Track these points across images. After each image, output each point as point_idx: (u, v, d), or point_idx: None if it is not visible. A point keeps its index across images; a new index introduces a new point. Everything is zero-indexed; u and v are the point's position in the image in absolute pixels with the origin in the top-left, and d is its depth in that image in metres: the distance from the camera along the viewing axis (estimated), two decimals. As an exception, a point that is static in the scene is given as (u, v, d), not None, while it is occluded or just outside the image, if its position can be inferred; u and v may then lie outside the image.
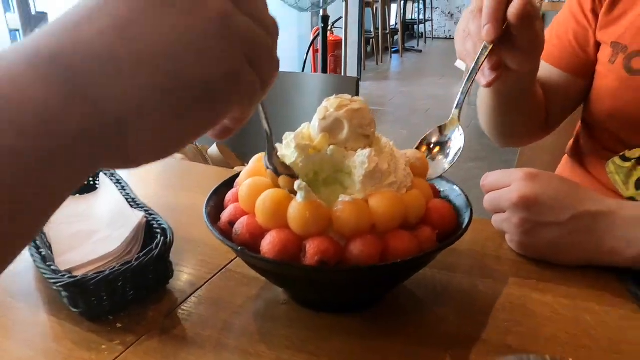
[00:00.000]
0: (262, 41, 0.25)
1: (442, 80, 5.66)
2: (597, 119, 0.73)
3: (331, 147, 0.43)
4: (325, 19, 2.43)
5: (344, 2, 3.74)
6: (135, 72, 0.21)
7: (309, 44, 3.04)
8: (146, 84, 0.21)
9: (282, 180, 0.41)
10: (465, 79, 0.54)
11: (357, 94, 1.12)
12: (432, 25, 8.96)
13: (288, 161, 0.43)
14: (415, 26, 8.64)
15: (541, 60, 0.76)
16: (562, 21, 0.77)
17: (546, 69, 0.77)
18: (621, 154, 0.67)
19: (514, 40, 0.53)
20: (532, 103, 0.73)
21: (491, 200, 0.55)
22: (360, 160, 0.41)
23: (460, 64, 5.07)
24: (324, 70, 2.51)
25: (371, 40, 6.58)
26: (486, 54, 0.52)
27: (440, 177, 0.52)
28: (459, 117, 0.55)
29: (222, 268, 0.54)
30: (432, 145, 0.55)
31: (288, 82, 1.17)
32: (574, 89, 0.76)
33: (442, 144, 0.54)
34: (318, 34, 2.54)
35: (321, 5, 2.34)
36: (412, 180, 0.44)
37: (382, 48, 6.64)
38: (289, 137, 0.46)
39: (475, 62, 0.53)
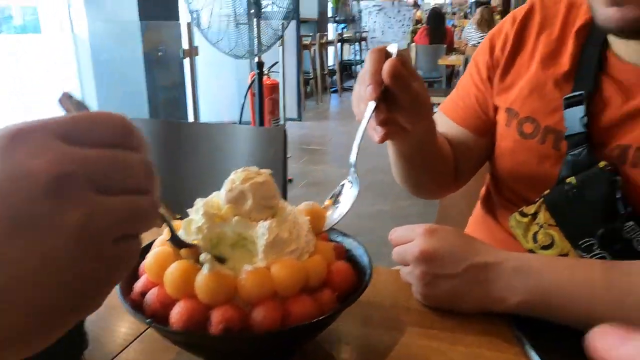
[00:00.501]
0: (138, 213, 0.26)
1: (380, 118, 5.87)
2: (500, 175, 0.80)
3: (235, 218, 0.46)
4: (260, 65, 2.50)
5: (281, 47, 3.86)
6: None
7: (247, 88, 3.08)
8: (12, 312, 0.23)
9: (184, 252, 0.44)
10: (358, 137, 0.59)
11: (284, 143, 1.16)
12: (369, 66, 9.29)
13: (195, 225, 0.46)
14: (353, 66, 8.95)
15: (449, 119, 0.84)
16: (465, 84, 0.83)
17: (453, 127, 0.83)
18: (520, 209, 0.72)
19: (397, 100, 0.58)
20: (437, 160, 0.78)
21: (398, 253, 0.59)
22: (261, 231, 0.44)
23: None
24: (261, 114, 2.56)
25: (310, 81, 6.76)
26: (372, 112, 0.57)
27: (345, 234, 0.56)
28: (354, 172, 0.59)
29: (140, 334, 0.55)
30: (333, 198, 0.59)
31: (217, 135, 1.20)
32: (479, 147, 0.82)
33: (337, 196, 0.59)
34: (254, 80, 2.59)
35: (256, 52, 2.41)
36: (315, 245, 0.47)
37: (321, 88, 6.82)
38: (199, 204, 0.48)
39: (364, 121, 0.58)
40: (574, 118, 0.66)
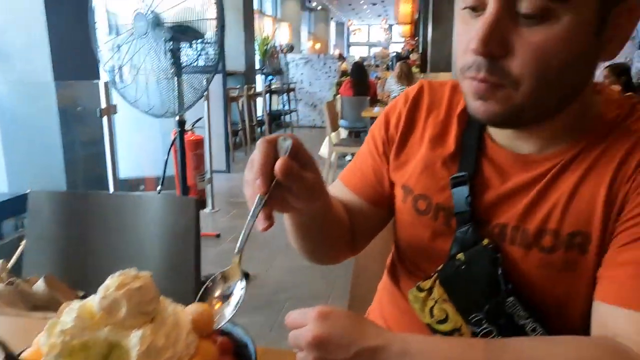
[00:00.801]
0: None
1: (308, 168, 5.94)
2: (400, 247, 0.83)
3: (107, 328, 0.44)
4: (182, 123, 2.48)
5: (206, 102, 3.86)
6: None
7: (170, 142, 3.03)
8: None
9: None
10: (245, 226, 0.58)
11: (197, 214, 1.14)
12: (298, 115, 9.50)
13: (60, 328, 0.43)
14: (282, 116, 9.10)
15: (346, 187, 0.85)
16: (363, 156, 0.85)
17: (351, 196, 0.84)
18: (417, 284, 0.75)
19: (289, 188, 0.58)
20: (333, 229, 0.78)
21: (292, 338, 0.59)
22: (134, 341, 0.43)
23: (323, 152, 5.40)
24: (183, 173, 2.52)
25: (239, 132, 6.78)
26: (261, 205, 0.56)
27: (235, 324, 0.56)
28: (239, 262, 0.58)
29: None
30: (216, 296, 0.58)
31: (126, 206, 1.17)
32: (375, 216, 0.84)
33: (225, 296, 0.58)
34: (176, 138, 2.57)
35: (177, 112, 2.39)
36: (196, 347, 0.47)
37: (250, 139, 6.85)
38: (74, 305, 0.46)
39: (253, 211, 0.57)
40: (461, 197, 0.70)
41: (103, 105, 2.49)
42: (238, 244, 0.58)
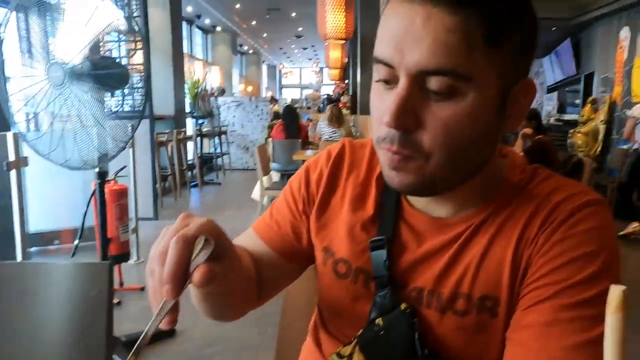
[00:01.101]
0: None
1: (240, 212, 5.84)
2: (322, 309, 0.81)
3: None
4: (102, 174, 2.36)
5: (131, 149, 3.73)
6: None
7: (90, 195, 2.88)
8: None
9: None
10: (147, 328, 0.50)
11: (110, 282, 1.07)
12: (230, 158, 9.43)
13: None
14: (213, 159, 8.99)
15: (260, 239, 0.80)
16: (281, 209, 0.82)
17: (263, 248, 0.80)
18: (337, 351, 0.72)
19: None
20: (239, 292, 0.73)
21: None
22: None
23: (255, 196, 5.35)
24: (103, 227, 2.39)
25: (168, 177, 6.60)
26: (168, 310, 0.50)
27: None
28: None
29: None
30: None
31: (28, 276, 1.07)
32: (288, 270, 0.81)
33: None
34: (95, 190, 2.44)
35: (97, 164, 2.28)
36: None
37: (180, 183, 6.68)
38: None
39: (157, 315, 0.50)
40: (379, 261, 0.70)
41: (11, 157, 2.34)
42: (135, 347, 0.49)
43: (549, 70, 10.71)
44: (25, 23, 2.34)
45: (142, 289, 3.26)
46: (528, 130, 4.55)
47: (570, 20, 8.76)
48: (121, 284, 3.27)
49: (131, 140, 2.66)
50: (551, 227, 0.62)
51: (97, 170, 2.33)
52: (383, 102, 0.60)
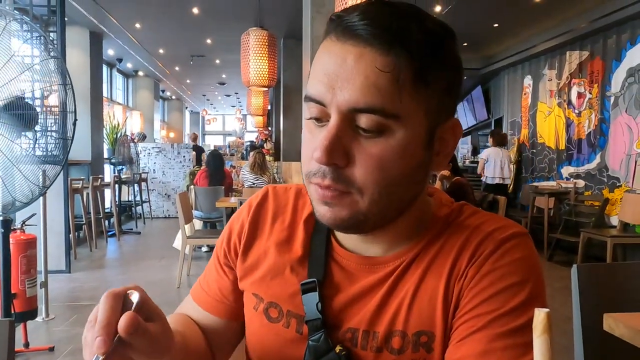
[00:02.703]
0: None
1: (163, 261, 5.61)
2: (252, 357, 0.78)
3: None
4: (7, 223, 2.18)
5: (42, 197, 3.49)
6: None
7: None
8: None
9: None
10: None
11: (11, 337, 0.97)
12: (150, 206, 9.09)
13: None
14: (133, 207, 8.62)
15: (197, 305, 0.81)
16: (209, 271, 0.82)
17: (202, 313, 0.80)
18: None
19: (132, 344, 0.51)
20: None
21: None
22: None
23: (177, 245, 5.16)
24: (7, 282, 2.18)
25: (83, 225, 6.22)
26: None
27: None
28: None
29: None
30: None
31: None
32: (231, 330, 0.80)
33: None
34: (-1, 239, 2.24)
35: (1, 212, 2.11)
36: None
37: (95, 233, 6.33)
38: None
39: None
40: (311, 303, 0.69)
41: None
42: None
43: (462, 115, 11.44)
44: None
45: (52, 349, 2.99)
46: (446, 172, 4.78)
47: (480, 70, 9.52)
48: (26, 344, 2.96)
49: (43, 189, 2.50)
50: (479, 259, 0.64)
51: (0, 218, 2.15)
52: (314, 138, 0.61)
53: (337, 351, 0.66)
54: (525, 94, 8.34)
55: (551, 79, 7.54)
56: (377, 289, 0.68)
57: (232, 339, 0.82)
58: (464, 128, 11.81)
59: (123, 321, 0.49)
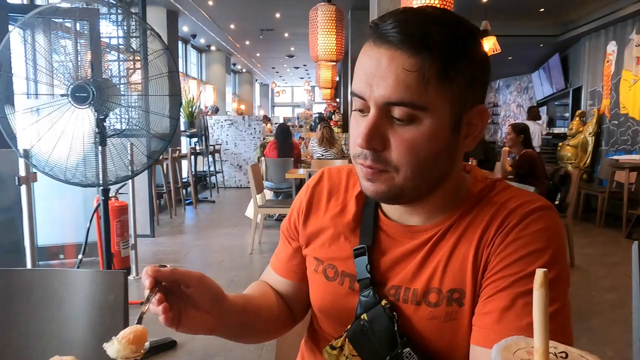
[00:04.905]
0: None
1: (235, 230, 5.94)
2: (315, 311, 0.94)
3: None
4: (106, 191, 2.47)
5: (130, 167, 3.83)
6: None
7: (93, 209, 2.98)
8: None
9: None
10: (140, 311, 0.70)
11: (125, 287, 1.18)
12: (224, 176, 9.52)
13: None
14: (207, 178, 9.07)
15: (274, 272, 0.98)
16: (281, 243, 1.00)
17: (278, 279, 0.98)
18: (330, 343, 0.85)
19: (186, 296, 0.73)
20: (258, 318, 0.90)
21: None
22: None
23: (249, 213, 5.44)
24: (107, 242, 2.49)
25: (164, 194, 6.69)
26: (152, 298, 0.69)
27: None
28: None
29: None
30: None
31: (51, 282, 1.18)
32: (303, 291, 0.96)
33: None
34: (99, 205, 2.55)
35: (102, 181, 2.39)
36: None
37: (175, 201, 6.77)
38: None
39: (146, 299, 0.69)
40: (362, 265, 0.83)
41: (22, 173, 2.44)
42: (139, 315, 0.69)
43: (538, 85, 10.95)
44: (32, 42, 2.45)
45: (143, 303, 3.35)
46: (506, 149, 4.72)
47: (559, 37, 9.03)
48: (121, 298, 3.34)
49: (130, 158, 2.77)
50: (505, 230, 0.75)
51: (101, 187, 2.44)
52: (358, 127, 0.74)
53: (383, 304, 0.80)
54: (607, 61, 7.85)
55: (639, 45, 7.06)
56: (417, 252, 0.81)
57: (305, 299, 0.98)
58: (539, 98, 11.34)
59: (149, 268, 0.71)
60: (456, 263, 0.77)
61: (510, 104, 13.50)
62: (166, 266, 0.72)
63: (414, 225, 0.83)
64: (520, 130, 4.82)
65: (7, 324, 1.14)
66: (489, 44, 6.12)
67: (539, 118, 9.02)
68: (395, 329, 0.78)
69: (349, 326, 0.83)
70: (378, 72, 0.70)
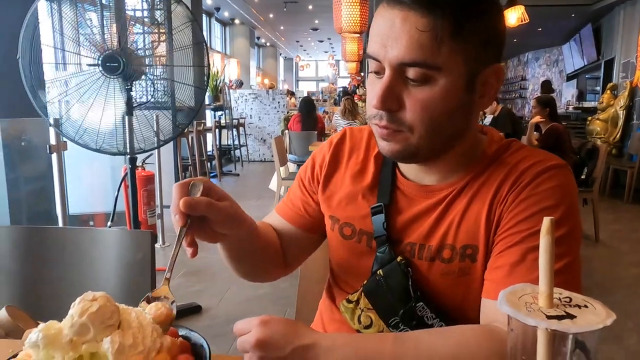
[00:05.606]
0: None
1: (259, 202, 6.02)
2: (333, 268, 0.97)
3: (84, 345, 0.54)
4: (133, 160, 2.54)
5: (155, 138, 3.91)
6: None
7: (121, 178, 3.08)
8: None
9: None
10: (172, 254, 0.70)
11: (152, 247, 1.23)
12: (248, 150, 9.60)
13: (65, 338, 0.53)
14: (232, 151, 9.16)
15: (281, 217, 0.99)
16: (294, 192, 1.00)
17: (284, 224, 0.98)
18: (346, 297, 0.89)
19: (209, 217, 0.71)
20: (262, 251, 0.91)
21: (239, 343, 0.70)
22: (106, 347, 0.53)
23: (273, 186, 5.51)
24: (135, 209, 2.57)
25: (189, 167, 6.80)
26: (183, 234, 0.69)
27: (191, 330, 0.66)
28: (168, 285, 0.70)
29: None
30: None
31: (83, 240, 1.24)
32: (306, 240, 0.99)
33: None
34: (127, 173, 2.62)
35: (129, 150, 2.45)
36: (161, 342, 0.57)
37: (200, 173, 6.87)
38: (37, 334, 0.53)
39: (177, 238, 0.69)
40: (379, 223, 0.85)
41: (52, 141, 2.52)
42: (167, 269, 0.70)
43: (569, 57, 10.62)
44: (59, 13, 2.50)
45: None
46: (538, 118, 4.62)
47: (591, 6, 8.67)
48: (149, 265, 3.45)
49: (156, 129, 2.83)
50: (518, 188, 0.76)
51: (128, 156, 2.51)
52: (373, 89, 0.75)
53: (398, 261, 0.83)
54: (643, 31, 7.56)
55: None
56: (432, 211, 0.83)
57: (304, 249, 1.00)
58: (569, 71, 11.02)
59: (181, 203, 0.68)
60: (470, 220, 0.79)
61: (539, 77, 13.15)
62: (196, 185, 0.71)
63: (430, 185, 0.84)
64: (546, 103, 4.72)
65: (42, 278, 1.21)
66: (517, 14, 5.95)
67: (552, 92, 9.04)
68: (410, 284, 0.81)
69: (365, 281, 0.86)
70: (392, 33, 0.71)
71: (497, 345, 0.65)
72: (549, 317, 0.44)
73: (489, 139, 0.85)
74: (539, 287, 0.48)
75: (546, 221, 0.52)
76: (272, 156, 5.12)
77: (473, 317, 0.78)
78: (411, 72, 0.71)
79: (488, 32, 0.73)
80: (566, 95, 11.03)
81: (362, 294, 0.86)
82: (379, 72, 0.75)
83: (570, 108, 9.82)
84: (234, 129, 8.93)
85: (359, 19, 5.51)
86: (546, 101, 4.76)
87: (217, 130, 8.04)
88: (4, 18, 2.85)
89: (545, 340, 0.44)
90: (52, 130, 2.49)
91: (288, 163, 5.72)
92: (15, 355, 0.56)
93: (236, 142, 9.01)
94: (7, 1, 2.87)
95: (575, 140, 5.25)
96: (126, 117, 2.44)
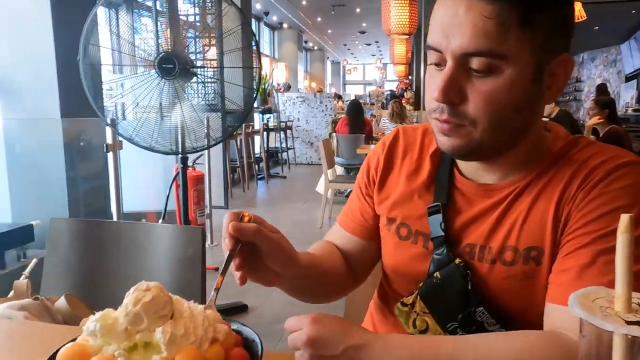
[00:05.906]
0: None
1: (305, 205, 6.04)
2: (387, 270, 0.94)
3: (138, 335, 0.54)
4: (185, 160, 2.59)
5: (206, 139, 3.99)
6: None
7: (172, 178, 3.14)
8: None
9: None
10: (219, 274, 0.70)
11: (203, 243, 1.24)
12: (295, 153, 9.66)
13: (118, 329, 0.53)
14: (279, 154, 9.25)
15: (342, 228, 0.98)
16: (353, 199, 0.99)
17: (345, 235, 0.97)
18: (401, 300, 0.85)
19: (260, 249, 0.71)
20: (324, 280, 0.90)
21: (290, 339, 0.69)
22: (158, 336, 0.53)
23: (320, 189, 5.52)
24: (185, 207, 2.62)
25: (237, 169, 6.91)
26: (230, 259, 0.69)
27: (243, 324, 0.66)
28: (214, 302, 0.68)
29: None
30: None
31: (138, 234, 1.27)
32: (368, 249, 0.96)
33: None
34: (178, 173, 2.68)
35: (181, 150, 2.50)
36: (213, 333, 0.56)
37: (247, 175, 6.97)
38: (94, 324, 0.54)
39: (225, 261, 0.69)
40: (436, 223, 0.82)
41: (109, 141, 2.61)
42: (214, 289, 0.69)
43: (628, 56, 10.13)
44: (116, 19, 2.59)
45: (217, 269, 3.52)
46: (596, 119, 4.43)
47: (654, 1, 8.25)
48: (198, 263, 3.52)
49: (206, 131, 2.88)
50: (589, 185, 0.71)
51: (180, 155, 2.57)
52: (434, 81, 0.72)
53: (457, 263, 0.79)
54: None
55: None
56: (493, 211, 0.78)
57: (370, 259, 0.97)
58: (628, 71, 10.49)
59: (230, 226, 0.68)
60: (534, 221, 0.75)
61: (595, 78, 12.60)
62: (247, 216, 0.72)
63: (490, 184, 0.80)
64: (605, 105, 4.51)
65: (98, 269, 1.24)
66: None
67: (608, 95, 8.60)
68: (469, 287, 0.77)
69: (421, 284, 0.83)
70: (455, 22, 0.67)
71: (565, 354, 0.61)
72: (629, 323, 0.40)
73: (553, 136, 0.80)
74: (614, 290, 0.44)
75: (624, 218, 0.48)
76: (319, 159, 5.13)
77: (537, 323, 0.74)
78: (475, 63, 0.67)
79: (557, 19, 0.68)
80: (625, 97, 10.51)
81: (418, 297, 0.83)
82: (439, 64, 0.72)
83: (630, 110, 9.34)
84: (282, 132, 9.01)
85: (408, 20, 5.44)
86: (606, 103, 4.56)
87: (265, 132, 8.13)
88: (66, 23, 2.98)
89: (623, 347, 0.41)
90: (108, 130, 2.58)
91: (335, 166, 5.71)
92: (74, 339, 0.57)
93: (283, 144, 9.09)
94: (69, 7, 3.00)
95: (637, 144, 4.99)
96: (179, 118, 2.50)
